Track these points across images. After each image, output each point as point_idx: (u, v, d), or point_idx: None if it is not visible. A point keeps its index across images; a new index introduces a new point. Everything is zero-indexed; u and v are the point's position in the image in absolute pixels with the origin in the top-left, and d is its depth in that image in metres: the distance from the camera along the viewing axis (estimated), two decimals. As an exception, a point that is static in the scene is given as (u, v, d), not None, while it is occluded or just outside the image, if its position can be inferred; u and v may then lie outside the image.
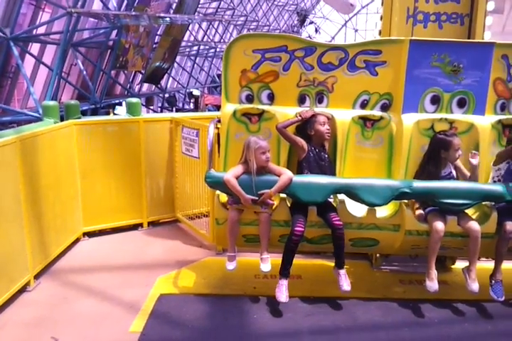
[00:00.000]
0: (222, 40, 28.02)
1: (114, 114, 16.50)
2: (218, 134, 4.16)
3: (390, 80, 4.07)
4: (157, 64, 18.71)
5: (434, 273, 3.70)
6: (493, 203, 3.80)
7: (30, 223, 4.05)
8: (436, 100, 4.07)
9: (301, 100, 4.13)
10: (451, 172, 3.89)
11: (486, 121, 4.08)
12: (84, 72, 15.47)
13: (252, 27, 31.79)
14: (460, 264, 4.15)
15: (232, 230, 3.74)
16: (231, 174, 3.63)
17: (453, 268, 4.42)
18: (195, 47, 25.72)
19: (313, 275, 4.23)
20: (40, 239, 4.25)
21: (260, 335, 3.44)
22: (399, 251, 4.02)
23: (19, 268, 3.91)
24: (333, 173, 3.94)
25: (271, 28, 35.09)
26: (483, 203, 3.82)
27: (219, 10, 25.73)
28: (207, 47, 27.06)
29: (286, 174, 3.63)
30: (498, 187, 3.66)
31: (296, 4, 37.58)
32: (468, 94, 4.06)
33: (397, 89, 4.06)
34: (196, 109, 24.83)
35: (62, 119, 4.99)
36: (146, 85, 23.00)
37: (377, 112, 4.14)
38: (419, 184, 3.69)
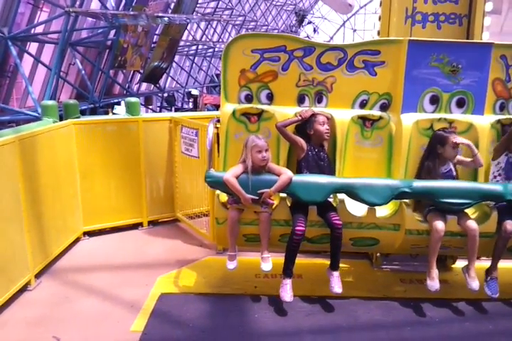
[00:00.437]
0: (220, 40, 28.02)
1: (113, 113, 16.51)
2: (218, 134, 4.17)
3: (389, 80, 4.08)
4: (156, 63, 18.71)
5: (435, 272, 3.72)
6: (493, 203, 3.82)
7: (30, 222, 4.05)
8: (435, 100, 4.08)
9: (301, 100, 4.14)
10: (451, 169, 3.90)
11: (485, 121, 4.09)
12: (83, 72, 15.47)
13: (250, 27, 31.79)
14: (461, 263, 4.16)
15: (232, 230, 3.74)
16: (231, 173, 3.64)
17: (453, 268, 4.43)
18: (194, 47, 25.72)
19: (313, 275, 4.24)
20: (41, 238, 4.25)
21: (261, 334, 3.45)
22: (399, 250, 4.04)
23: (20, 268, 3.91)
24: (332, 173, 3.95)
25: (269, 27, 35.08)
26: (483, 203, 3.84)
27: (217, 10, 25.74)
28: (205, 46, 27.06)
29: (286, 174, 3.64)
30: (498, 187, 3.68)
31: (295, 4, 37.58)
32: (467, 94, 4.07)
33: (396, 89, 4.07)
34: (195, 108, 24.83)
35: (61, 119, 4.99)
36: (144, 85, 23.00)
37: (376, 112, 4.16)
38: (419, 183, 3.71)
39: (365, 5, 41.48)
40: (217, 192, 3.92)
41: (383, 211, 3.92)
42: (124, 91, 19.86)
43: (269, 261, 3.72)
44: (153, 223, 5.53)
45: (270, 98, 4.12)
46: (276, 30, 36.28)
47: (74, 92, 16.71)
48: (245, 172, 3.67)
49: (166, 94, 25.03)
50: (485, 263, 3.96)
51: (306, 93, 4.13)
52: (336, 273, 3.74)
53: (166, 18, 15.42)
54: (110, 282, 4.17)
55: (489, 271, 3.80)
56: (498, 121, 4.16)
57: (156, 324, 3.52)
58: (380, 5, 4.49)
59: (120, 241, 5.11)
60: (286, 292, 3.65)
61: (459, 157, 3.92)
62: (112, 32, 16.08)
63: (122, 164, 5.20)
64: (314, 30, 41.92)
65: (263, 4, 32.89)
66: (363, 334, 3.50)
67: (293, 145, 4.00)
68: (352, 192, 3.67)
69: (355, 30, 44.26)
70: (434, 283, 3.69)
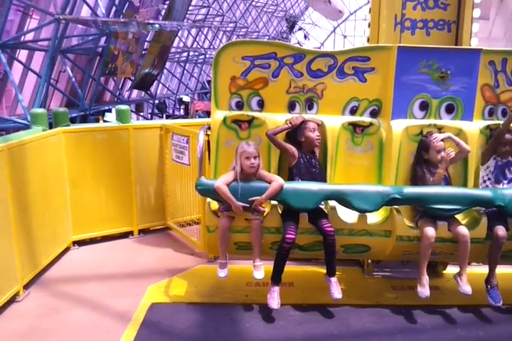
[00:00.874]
0: (211, 47, 28.06)
1: (104, 120, 16.44)
2: (208, 141, 4.15)
3: (379, 87, 4.09)
4: (146, 70, 18.68)
5: (425, 279, 3.71)
6: (482, 208, 3.83)
7: (18, 232, 4.00)
8: (424, 106, 4.09)
9: (291, 107, 4.14)
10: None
11: (474, 127, 4.11)
12: (73, 79, 15.39)
13: (241, 33, 31.89)
14: (451, 269, 4.16)
15: (223, 237, 3.72)
16: (221, 181, 3.62)
17: (444, 274, 4.43)
18: (185, 54, 25.72)
19: (305, 283, 4.22)
20: (29, 248, 4.20)
21: (253, 344, 3.41)
22: (390, 257, 4.03)
23: (8, 278, 3.85)
24: (323, 180, 3.94)
25: (260, 34, 35.22)
26: (473, 208, 3.84)
27: (208, 16, 25.79)
28: (196, 53, 27.08)
29: (277, 181, 3.63)
30: (488, 193, 3.69)
31: (285, 11, 37.77)
32: (457, 100, 4.09)
33: (386, 95, 4.08)
34: (186, 115, 24.83)
35: (51, 127, 4.96)
36: (135, 92, 22.94)
37: (366, 118, 4.16)
38: (410, 190, 3.71)
39: (355, 11, 41.78)
40: (208, 199, 3.89)
41: (374, 217, 3.92)
42: (115, 99, 19.80)
43: (262, 269, 3.70)
44: (143, 231, 5.49)
45: (261, 105, 4.12)
46: (267, 37, 36.43)
47: (64, 100, 16.63)
48: (236, 179, 3.65)
49: (157, 101, 24.99)
50: (475, 268, 3.96)
51: (297, 100, 4.13)
52: (333, 279, 3.72)
53: (156, 25, 15.43)
54: (100, 292, 4.12)
55: (488, 280, 3.78)
56: (487, 126, 4.18)
57: (146, 335, 3.47)
58: (370, 11, 4.51)
59: (110, 250, 5.06)
60: (274, 299, 3.63)
61: (449, 154, 3.84)
62: (103, 39, 16.04)
63: (112, 172, 5.16)
64: (305, 37, 42.12)
65: (254, 11, 33.03)
66: (356, 342, 3.48)
67: (284, 153, 3.99)
68: (343, 198, 3.66)
69: (345, 37, 44.53)
70: (424, 290, 3.68)
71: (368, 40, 4.54)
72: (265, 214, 3.78)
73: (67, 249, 4.97)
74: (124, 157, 5.19)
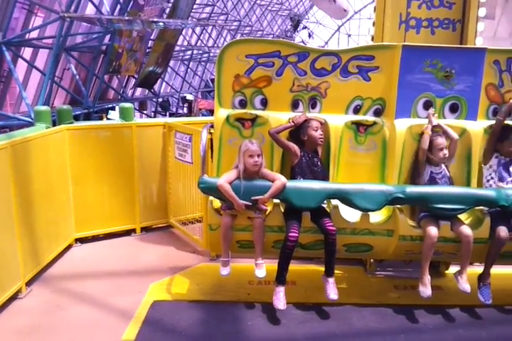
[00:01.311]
0: (215, 45, 28.05)
1: (108, 118, 16.45)
2: (211, 139, 4.14)
3: (383, 86, 4.08)
4: (150, 68, 18.68)
5: (427, 278, 3.70)
6: (486, 208, 3.81)
7: (21, 229, 4.01)
8: (428, 105, 4.08)
9: (294, 105, 4.13)
10: (443, 170, 3.89)
11: (478, 126, 4.09)
12: (77, 77, 15.40)
13: (245, 32, 31.84)
14: (454, 269, 4.14)
15: (225, 236, 3.71)
16: (224, 179, 3.61)
17: (447, 274, 4.42)
18: (189, 52, 25.71)
19: (307, 282, 4.21)
20: (32, 245, 4.21)
21: (254, 342, 3.41)
22: (393, 256, 4.02)
23: (10, 275, 3.86)
24: (326, 179, 3.93)
25: (264, 32, 35.16)
26: (476, 208, 3.83)
27: (212, 15, 25.77)
28: (200, 51, 27.07)
29: (280, 179, 3.62)
30: (491, 192, 3.67)
31: (290, 9, 37.71)
32: (461, 100, 4.07)
33: (390, 94, 4.07)
34: (190, 113, 24.80)
35: (54, 124, 4.96)
36: (139, 90, 22.95)
37: (370, 117, 4.15)
38: (413, 189, 3.69)
39: (360, 10, 41.70)
40: (211, 198, 3.89)
41: (377, 217, 3.91)
42: (119, 97, 19.82)
43: (263, 268, 3.69)
44: (146, 229, 5.49)
45: (264, 103, 4.11)
46: (272, 35, 36.38)
47: (68, 97, 16.64)
48: (239, 177, 3.64)
49: (160, 99, 24.99)
50: (477, 268, 3.95)
51: (300, 98, 4.12)
52: (331, 280, 3.71)
53: (161, 23, 15.41)
54: (102, 289, 4.13)
55: (482, 278, 3.79)
56: (491, 126, 4.15)
57: (148, 332, 3.48)
58: (374, 10, 4.50)
59: (113, 247, 5.07)
60: (280, 300, 3.62)
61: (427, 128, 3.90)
62: (107, 37, 16.04)
63: (115, 170, 5.17)
64: (309, 35, 42.07)
65: (258, 9, 32.99)
66: (358, 341, 3.47)
67: (287, 151, 3.98)
68: (345, 197, 3.65)
69: (349, 35, 44.45)
70: (426, 289, 3.67)
71: (373, 39, 4.54)
72: (267, 212, 3.78)
73: (69, 246, 4.98)
74: (127, 155, 5.20)
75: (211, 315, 3.73)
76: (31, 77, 14.82)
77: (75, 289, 4.14)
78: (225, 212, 3.74)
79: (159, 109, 25.25)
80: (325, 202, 3.85)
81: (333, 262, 3.72)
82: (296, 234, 3.56)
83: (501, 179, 3.98)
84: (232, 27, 29.38)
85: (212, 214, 3.85)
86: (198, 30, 25.68)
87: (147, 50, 19.04)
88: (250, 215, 3.68)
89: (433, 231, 3.63)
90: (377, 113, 4.15)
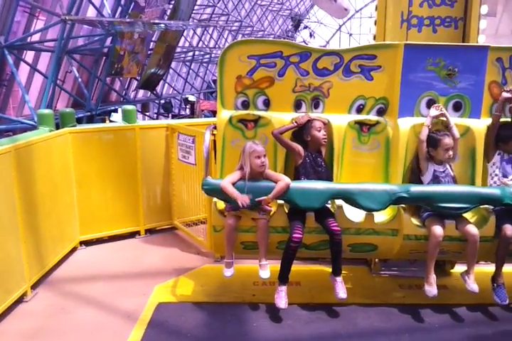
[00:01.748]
0: (217, 46, 28.06)
1: (110, 120, 16.48)
2: (214, 141, 4.14)
3: (386, 85, 4.07)
4: (152, 70, 18.70)
5: (432, 277, 3.69)
6: (491, 206, 3.79)
7: (26, 233, 4.01)
8: (432, 104, 4.06)
9: (297, 106, 4.12)
10: (446, 169, 3.88)
11: (482, 124, 4.08)
12: (80, 80, 15.44)
13: (246, 32, 31.86)
14: (459, 268, 4.13)
15: (229, 237, 3.71)
16: (228, 180, 3.61)
17: (452, 273, 4.41)
18: (190, 53, 25.73)
19: (312, 282, 4.21)
20: (37, 248, 4.22)
21: (260, 344, 3.41)
22: (398, 256, 4.01)
23: (16, 279, 3.87)
24: (329, 179, 3.92)
25: (265, 33, 35.16)
26: (481, 207, 3.81)
27: (213, 16, 25.78)
28: (202, 52, 27.09)
29: (284, 180, 3.62)
30: (496, 191, 3.65)
31: (290, 9, 37.72)
32: (464, 98, 4.06)
33: (393, 93, 4.05)
34: (192, 114, 24.84)
35: (57, 127, 4.97)
36: (141, 91, 22.99)
37: (373, 117, 4.14)
38: (417, 188, 3.68)
39: (361, 9, 41.67)
40: (215, 199, 3.89)
41: (381, 216, 3.89)
42: (121, 99, 19.85)
43: (268, 269, 3.69)
44: (150, 231, 5.50)
45: (267, 104, 4.10)
46: (273, 36, 36.39)
47: (71, 100, 16.68)
48: (242, 179, 3.64)
49: (163, 101, 25.03)
50: (483, 267, 3.93)
51: (303, 99, 4.11)
52: (339, 279, 3.71)
53: (162, 25, 15.42)
54: (107, 292, 4.13)
55: (495, 278, 3.75)
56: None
57: (153, 334, 3.48)
58: (376, 9, 4.49)
59: (117, 250, 5.07)
60: (281, 299, 3.62)
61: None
62: (109, 39, 16.07)
63: (119, 172, 5.17)
64: (310, 35, 42.06)
65: (259, 10, 33.00)
66: (363, 341, 3.46)
67: (290, 152, 3.97)
68: (349, 197, 3.64)
69: (351, 35, 44.42)
70: (431, 289, 3.66)
71: (374, 38, 4.52)
72: (272, 213, 3.77)
73: (74, 249, 4.99)
74: (131, 157, 5.20)
75: (216, 316, 3.73)
76: (34, 80, 14.86)
77: (79, 292, 4.14)
78: (228, 213, 3.73)
79: (162, 110, 25.30)
80: (329, 202, 3.85)
81: (339, 262, 3.72)
82: (300, 235, 3.56)
83: (505, 175, 3.97)
84: (233, 28, 29.41)
85: (216, 215, 3.85)
86: (199, 31, 25.71)
87: (149, 52, 19.07)
88: (254, 216, 3.68)
89: (438, 230, 3.61)
90: (380, 112, 4.14)
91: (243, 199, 3.52)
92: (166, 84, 24.64)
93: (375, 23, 4.50)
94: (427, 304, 3.83)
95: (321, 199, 3.64)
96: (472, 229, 3.62)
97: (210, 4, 24.78)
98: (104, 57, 16.73)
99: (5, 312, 3.71)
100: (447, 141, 3.82)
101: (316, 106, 4.14)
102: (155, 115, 24.69)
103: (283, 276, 3.69)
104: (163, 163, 5.44)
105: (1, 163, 3.71)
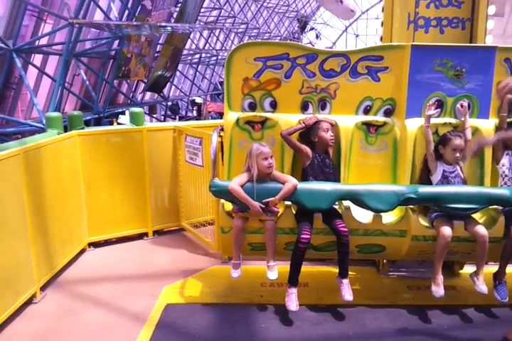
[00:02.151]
0: (223, 48, 28.14)
1: (118, 123, 16.56)
2: (221, 142, 4.15)
3: (393, 86, 4.06)
4: (159, 72, 18.79)
5: (440, 278, 3.67)
6: (500, 207, 3.78)
7: (35, 235, 4.04)
8: (439, 105, 4.05)
9: (304, 107, 4.12)
10: (456, 170, 3.86)
11: (490, 125, 4.06)
12: (87, 82, 15.55)
13: (253, 34, 31.94)
14: (468, 269, 4.12)
15: (237, 238, 3.72)
16: (236, 182, 3.61)
17: (461, 273, 4.39)
18: (197, 55, 25.84)
19: (320, 283, 4.20)
20: (46, 250, 4.24)
21: (268, 345, 3.41)
22: (406, 256, 3.99)
23: (25, 280, 3.90)
24: (337, 180, 3.92)
25: (272, 35, 35.23)
26: (490, 207, 3.79)
27: (220, 18, 25.88)
28: (208, 55, 27.18)
29: (291, 181, 3.62)
30: (505, 191, 3.63)
31: (297, 11, 37.74)
32: (472, 98, 4.04)
33: (400, 94, 4.05)
34: (199, 116, 24.92)
35: (65, 130, 5.01)
36: (148, 94, 23.11)
37: (380, 118, 4.13)
38: (425, 189, 3.67)
39: (367, 10, 41.63)
40: (222, 200, 3.89)
41: (389, 217, 3.88)
42: (129, 101, 19.96)
43: (275, 270, 3.69)
44: (158, 233, 5.52)
45: (274, 106, 4.11)
46: (279, 37, 36.42)
47: (79, 103, 16.80)
48: (250, 180, 3.64)
49: (170, 103, 25.12)
50: (492, 268, 3.91)
51: (310, 100, 4.11)
52: (345, 281, 3.70)
53: (169, 28, 15.51)
54: (115, 293, 4.15)
55: (497, 276, 3.75)
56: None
57: (161, 336, 3.49)
58: (382, 10, 4.48)
59: (125, 251, 5.10)
60: (292, 301, 3.61)
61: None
62: (116, 42, 16.18)
63: (127, 174, 5.20)
64: (317, 37, 42.09)
65: (265, 12, 33.06)
66: (372, 343, 3.46)
67: (298, 153, 3.97)
68: (357, 198, 3.63)
69: (357, 36, 44.39)
70: (439, 289, 3.64)
71: (381, 39, 4.52)
72: (279, 214, 3.77)
73: (82, 251, 5.01)
74: (138, 159, 5.23)
75: (224, 317, 3.74)
76: (42, 84, 14.99)
77: (88, 293, 4.16)
78: (236, 214, 3.74)
79: (169, 112, 25.39)
80: (336, 203, 3.84)
81: (346, 263, 3.71)
82: (308, 236, 3.56)
83: None
84: (240, 30, 29.49)
85: (224, 216, 3.86)
86: (205, 33, 25.80)
87: (156, 55, 19.16)
88: (262, 217, 3.68)
89: (447, 231, 3.60)
90: (388, 113, 4.13)
91: (255, 207, 3.54)
92: (173, 87, 24.74)
93: (382, 24, 4.49)
94: (435, 305, 3.82)
95: (329, 201, 3.64)
96: (481, 230, 3.60)
97: (217, 7, 24.87)
98: (112, 60, 16.84)
99: (14, 313, 3.74)
100: (457, 142, 3.80)
101: (323, 108, 4.14)
102: (162, 117, 24.78)
103: (293, 278, 3.67)
104: (170, 165, 5.46)
105: (10, 166, 3.74)
